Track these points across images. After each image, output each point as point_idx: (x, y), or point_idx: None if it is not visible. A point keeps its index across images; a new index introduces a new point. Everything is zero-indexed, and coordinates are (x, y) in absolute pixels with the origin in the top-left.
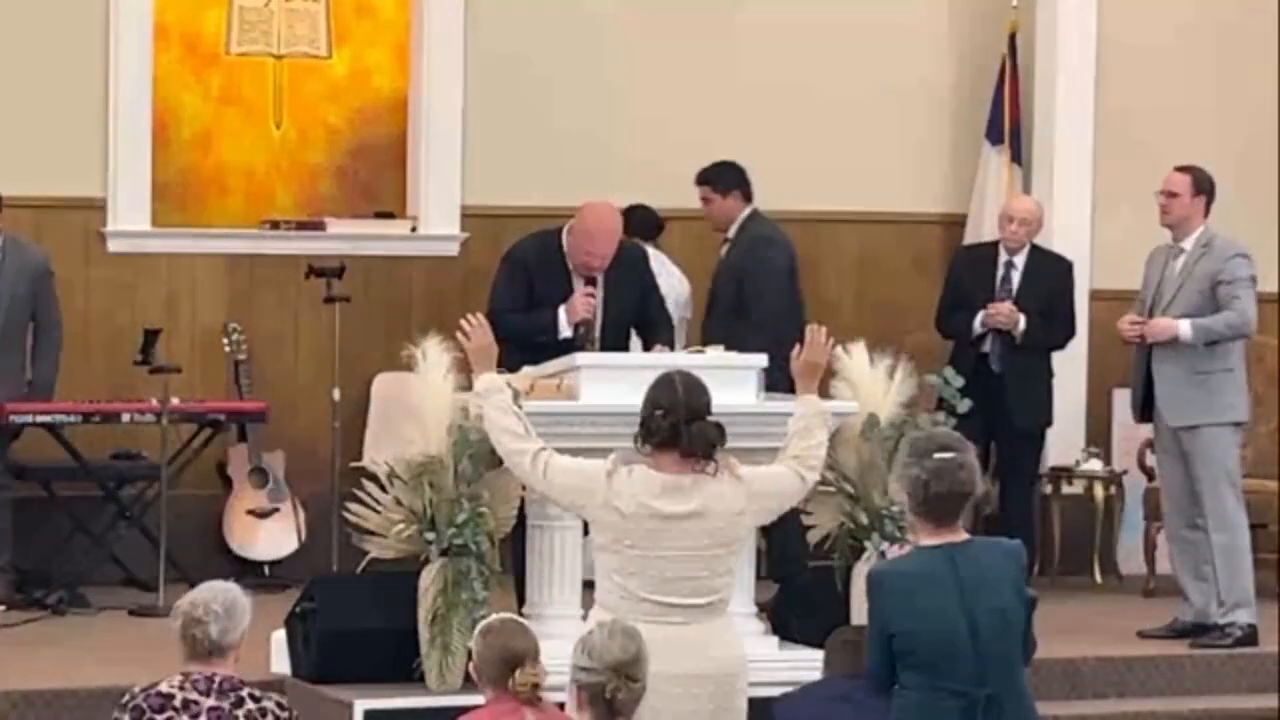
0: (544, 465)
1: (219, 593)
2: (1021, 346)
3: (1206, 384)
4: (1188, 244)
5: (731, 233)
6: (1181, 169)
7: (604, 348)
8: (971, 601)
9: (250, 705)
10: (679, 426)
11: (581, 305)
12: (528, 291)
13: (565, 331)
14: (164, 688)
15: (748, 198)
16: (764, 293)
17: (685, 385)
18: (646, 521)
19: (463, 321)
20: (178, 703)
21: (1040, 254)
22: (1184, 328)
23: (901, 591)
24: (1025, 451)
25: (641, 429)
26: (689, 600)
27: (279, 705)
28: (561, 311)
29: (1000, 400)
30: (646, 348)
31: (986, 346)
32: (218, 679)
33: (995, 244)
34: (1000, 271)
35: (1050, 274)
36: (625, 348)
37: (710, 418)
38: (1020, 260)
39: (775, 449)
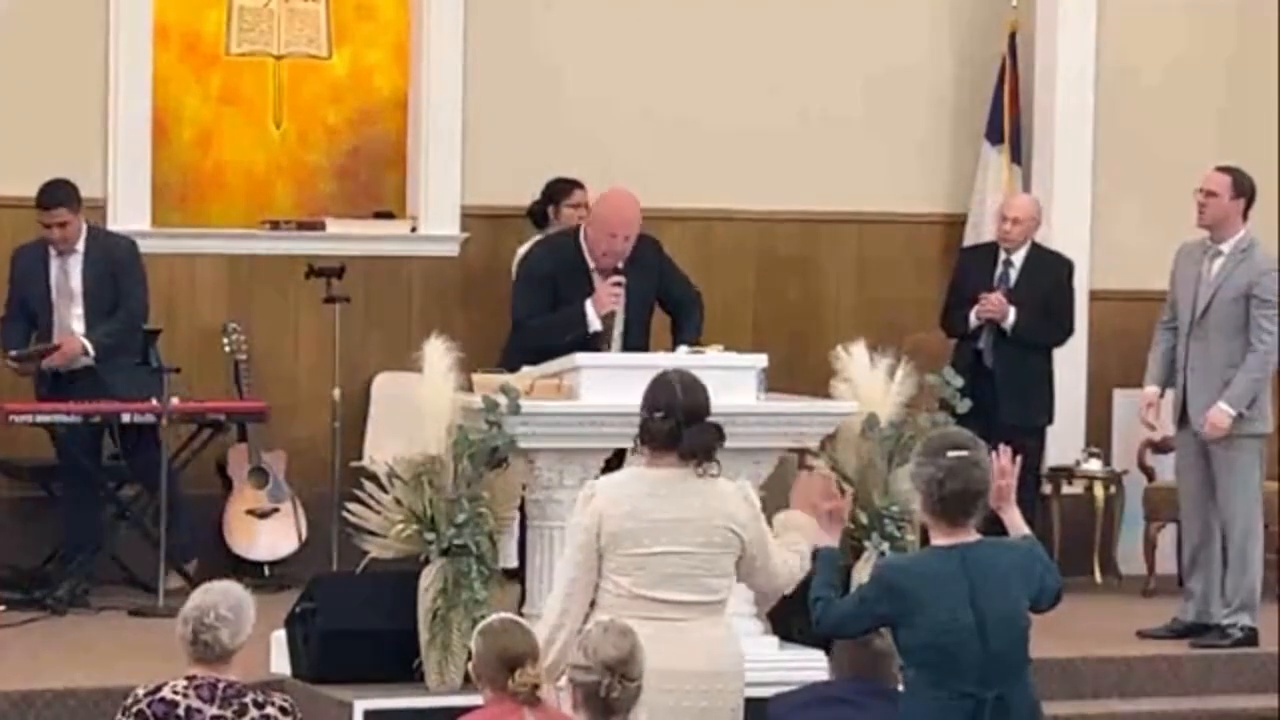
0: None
1: (226, 596)
2: (1013, 341)
3: None
4: (1226, 247)
5: (83, 246)
6: (1222, 169)
7: (626, 346)
8: (982, 603)
9: (254, 712)
10: (678, 429)
11: (607, 296)
12: (552, 297)
13: (595, 325)
14: (167, 694)
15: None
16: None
17: (684, 386)
18: (641, 517)
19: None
20: (181, 711)
21: (1040, 252)
22: (1225, 411)
23: (912, 592)
24: (1019, 448)
25: (641, 431)
26: (683, 597)
27: (282, 710)
28: (588, 305)
29: (992, 396)
30: (677, 336)
31: (980, 343)
32: (221, 685)
33: (996, 244)
34: (999, 270)
35: (1050, 273)
36: (646, 345)
37: (709, 418)
38: (1018, 259)
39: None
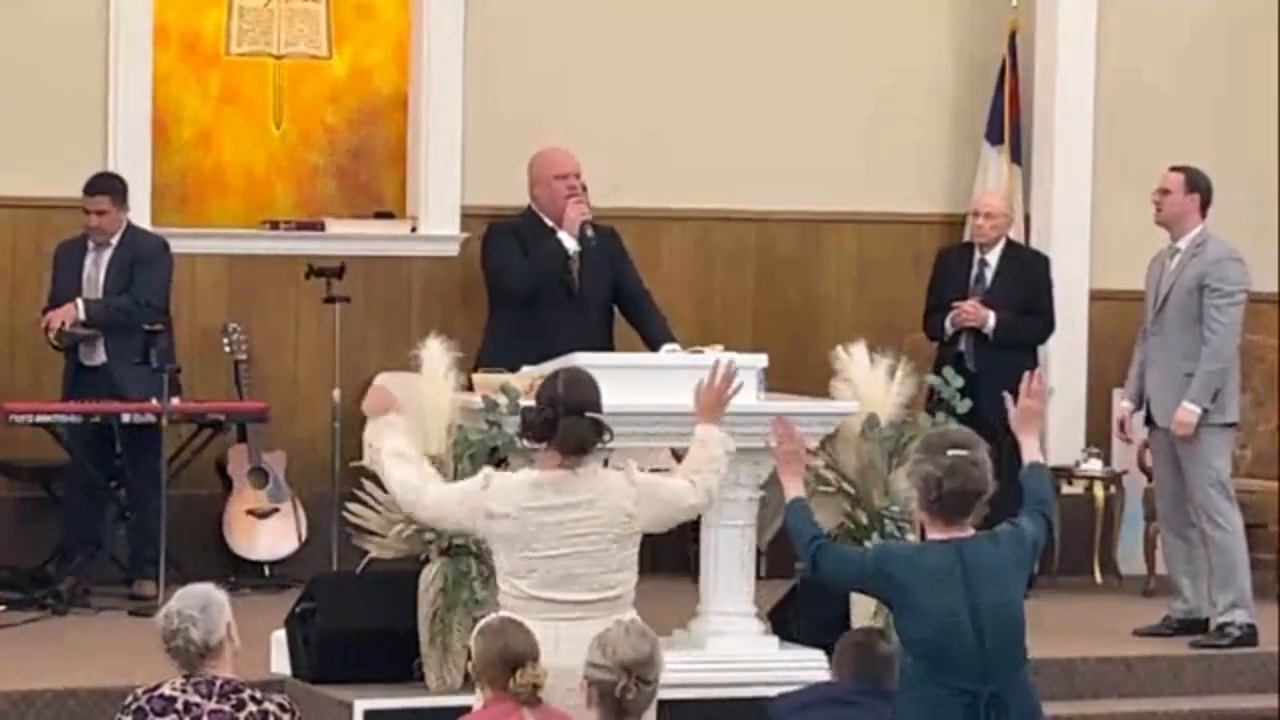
0: (430, 493)
1: (190, 596)
2: (996, 343)
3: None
4: (1182, 244)
5: (117, 241)
6: (1176, 168)
7: (588, 327)
8: (977, 597)
9: (252, 708)
10: (554, 422)
11: (575, 211)
12: (523, 255)
13: (572, 245)
14: (167, 690)
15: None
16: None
17: (567, 381)
18: (528, 520)
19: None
20: (180, 706)
21: (1015, 251)
22: (1190, 409)
23: (908, 584)
24: (1007, 448)
25: (520, 423)
26: (580, 596)
27: (280, 707)
28: (560, 234)
29: (977, 398)
30: (646, 334)
31: (961, 346)
32: (219, 682)
33: (971, 244)
34: (974, 270)
35: (1026, 270)
36: (610, 326)
37: (592, 415)
38: (993, 258)
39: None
